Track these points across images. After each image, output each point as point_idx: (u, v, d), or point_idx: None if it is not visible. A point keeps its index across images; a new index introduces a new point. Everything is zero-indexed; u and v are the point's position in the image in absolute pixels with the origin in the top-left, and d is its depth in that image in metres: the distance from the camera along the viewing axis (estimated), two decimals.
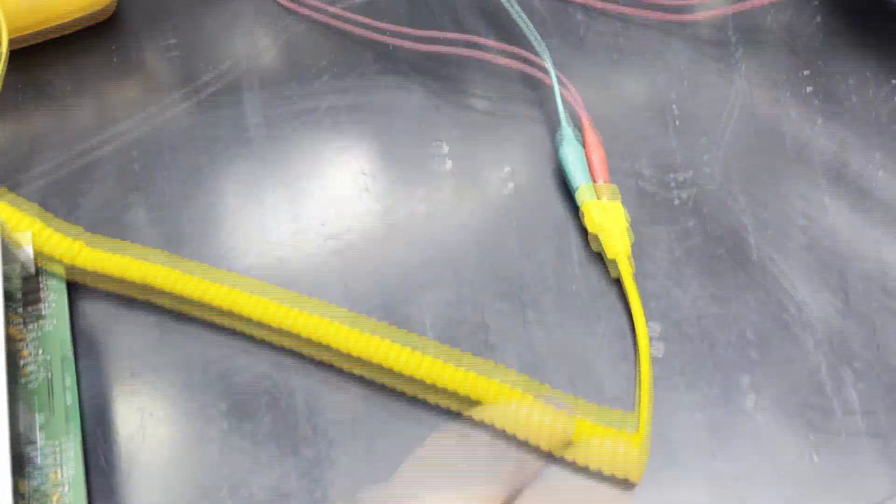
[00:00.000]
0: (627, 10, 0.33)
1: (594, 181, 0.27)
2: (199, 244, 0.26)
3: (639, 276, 0.26)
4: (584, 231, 0.26)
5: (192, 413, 0.23)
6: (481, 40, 0.30)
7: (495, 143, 0.29)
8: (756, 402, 0.23)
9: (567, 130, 0.28)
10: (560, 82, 0.28)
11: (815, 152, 0.29)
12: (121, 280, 0.24)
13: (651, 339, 0.25)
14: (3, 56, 0.27)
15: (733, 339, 0.25)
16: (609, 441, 0.20)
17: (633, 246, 0.26)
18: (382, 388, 0.23)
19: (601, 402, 0.23)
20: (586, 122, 0.28)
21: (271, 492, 0.21)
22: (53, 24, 0.31)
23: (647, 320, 0.25)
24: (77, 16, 0.32)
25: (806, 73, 0.31)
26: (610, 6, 0.34)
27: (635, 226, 0.27)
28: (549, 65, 0.28)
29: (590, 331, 0.25)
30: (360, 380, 0.24)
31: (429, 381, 0.21)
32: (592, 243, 0.26)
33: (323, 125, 0.30)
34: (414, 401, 0.23)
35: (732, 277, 0.26)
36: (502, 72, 0.30)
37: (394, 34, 0.31)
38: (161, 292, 0.23)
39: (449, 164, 0.29)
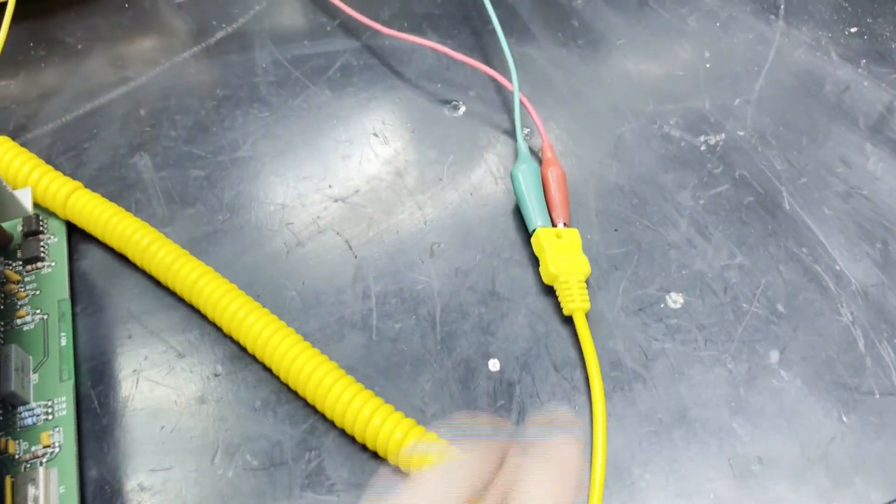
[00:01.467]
0: None
1: (553, 223, 0.24)
2: (204, 196, 0.26)
3: (660, 224, 0.24)
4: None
5: (186, 369, 0.22)
6: (452, 53, 0.28)
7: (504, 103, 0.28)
8: (781, 358, 0.22)
9: (522, 153, 0.25)
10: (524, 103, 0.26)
11: (857, 97, 0.27)
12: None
13: (669, 292, 0.23)
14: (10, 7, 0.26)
15: (758, 292, 0.23)
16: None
17: (645, 193, 0.24)
18: None
19: None
20: (549, 156, 0.25)
21: (264, 457, 0.21)
22: None
23: (666, 266, 0.23)
24: None
25: (849, 8, 0.29)
26: None
27: (655, 171, 0.25)
28: (515, 98, 0.26)
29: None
30: None
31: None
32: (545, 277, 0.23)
33: (334, 80, 0.29)
34: None
35: (761, 227, 0.24)
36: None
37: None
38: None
39: (461, 113, 0.27)
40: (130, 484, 0.20)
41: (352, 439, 0.20)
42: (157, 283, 0.23)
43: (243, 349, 0.22)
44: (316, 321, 0.23)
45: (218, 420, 0.21)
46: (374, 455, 0.20)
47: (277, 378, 0.21)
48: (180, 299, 0.23)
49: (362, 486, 0.20)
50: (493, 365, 0.22)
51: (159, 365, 0.22)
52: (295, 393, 0.21)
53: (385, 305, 0.23)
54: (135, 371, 0.22)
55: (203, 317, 0.23)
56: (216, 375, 0.22)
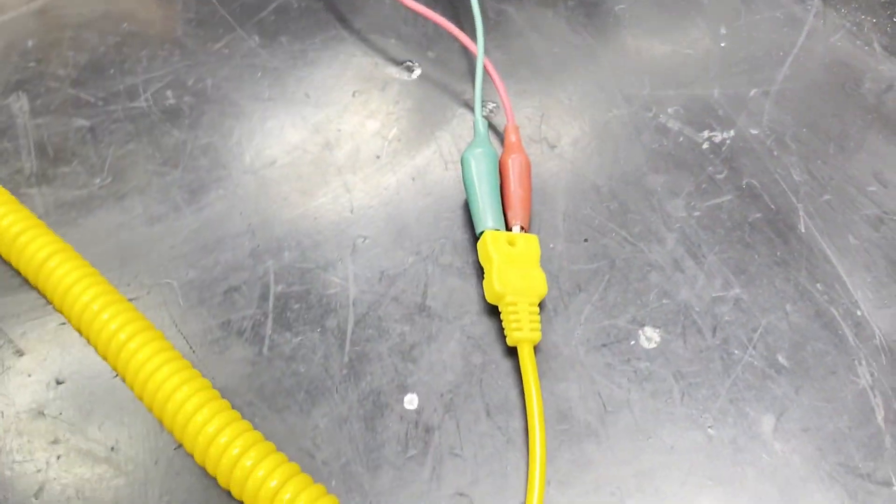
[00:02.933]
0: None
1: (508, 226, 0.19)
2: (84, 152, 0.21)
3: (641, 238, 0.19)
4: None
5: (24, 371, 0.18)
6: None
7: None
8: (777, 425, 0.17)
9: (479, 135, 0.20)
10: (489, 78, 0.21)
11: None
12: None
13: (643, 326, 0.18)
14: None
15: (756, 337, 0.18)
16: None
17: (620, 201, 0.20)
18: None
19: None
20: (513, 140, 0.20)
21: None
22: None
23: (644, 293, 0.18)
24: None
25: None
26: None
27: (644, 171, 0.20)
28: (479, 63, 0.21)
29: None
30: None
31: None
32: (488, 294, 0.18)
33: (266, 25, 0.23)
34: None
35: (767, 252, 0.19)
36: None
37: None
38: None
39: (415, 76, 0.22)
40: None
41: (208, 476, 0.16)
42: None
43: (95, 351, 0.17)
44: (196, 323, 0.18)
45: (51, 443, 0.16)
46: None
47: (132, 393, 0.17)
48: (28, 283, 0.18)
49: None
50: (410, 402, 0.17)
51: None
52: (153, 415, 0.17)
53: (285, 312, 0.18)
54: None
55: (52, 307, 0.18)
56: (59, 383, 0.17)
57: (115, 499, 0.16)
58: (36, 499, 0.16)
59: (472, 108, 0.22)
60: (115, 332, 0.17)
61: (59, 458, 0.16)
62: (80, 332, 0.17)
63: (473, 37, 0.21)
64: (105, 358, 0.17)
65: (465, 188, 0.19)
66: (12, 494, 0.16)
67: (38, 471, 0.16)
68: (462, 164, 0.19)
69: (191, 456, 0.16)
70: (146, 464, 0.16)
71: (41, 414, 0.17)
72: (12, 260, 0.18)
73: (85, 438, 0.16)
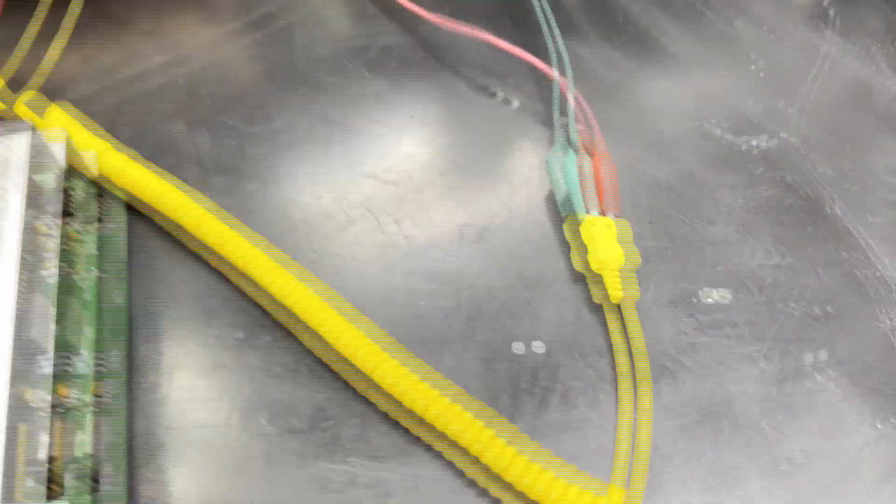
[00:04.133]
0: None
1: (603, 211, 0.23)
2: (235, 164, 0.26)
3: (696, 220, 0.24)
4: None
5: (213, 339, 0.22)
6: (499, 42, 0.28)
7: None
8: (816, 360, 0.21)
9: (559, 138, 0.25)
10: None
11: None
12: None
13: (702, 287, 0.22)
14: None
15: (795, 293, 0.22)
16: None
17: (680, 194, 0.24)
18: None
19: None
20: (597, 147, 0.24)
21: (280, 423, 0.21)
22: None
23: (701, 262, 0.23)
24: None
25: None
26: None
27: (695, 168, 0.25)
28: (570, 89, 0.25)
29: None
30: None
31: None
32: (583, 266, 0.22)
33: (374, 62, 0.29)
34: None
35: (801, 229, 0.24)
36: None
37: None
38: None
39: (512, 105, 0.27)
40: (169, 438, 0.20)
41: (368, 411, 0.20)
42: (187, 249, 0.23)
43: (265, 316, 0.22)
44: (344, 296, 0.22)
45: (235, 383, 0.21)
46: (394, 426, 0.20)
47: (297, 346, 0.21)
48: (204, 263, 0.23)
49: (377, 458, 0.19)
50: (518, 348, 0.21)
51: (195, 333, 0.22)
52: (316, 361, 0.21)
53: (410, 284, 0.23)
54: (167, 329, 0.22)
55: (227, 282, 0.23)
56: (238, 341, 0.22)
57: (287, 413, 0.20)
58: (228, 423, 0.20)
59: (551, 125, 0.26)
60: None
61: (243, 395, 0.21)
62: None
63: (550, 66, 0.26)
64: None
65: (559, 184, 0.23)
66: (213, 419, 0.20)
67: (229, 404, 0.20)
68: (550, 166, 0.24)
69: (347, 392, 0.20)
70: (309, 396, 0.20)
71: (224, 365, 0.21)
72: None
73: (260, 379, 0.21)
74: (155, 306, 0.22)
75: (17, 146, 0.21)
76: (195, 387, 0.21)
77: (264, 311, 0.22)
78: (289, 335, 0.21)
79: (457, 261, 0.23)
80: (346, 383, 0.20)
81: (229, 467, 0.19)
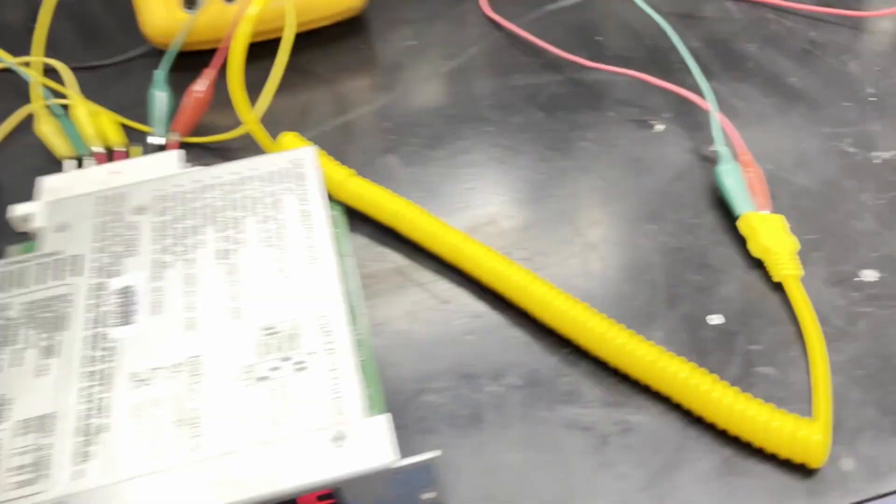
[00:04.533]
0: (815, 9, 0.36)
1: (760, 208, 0.28)
2: (443, 188, 0.31)
3: (846, 218, 0.28)
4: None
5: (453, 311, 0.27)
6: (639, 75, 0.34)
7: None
8: None
9: (724, 155, 0.29)
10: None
11: None
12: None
13: (863, 269, 0.26)
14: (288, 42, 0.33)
15: None
16: (791, 426, 0.22)
17: (826, 195, 0.29)
18: None
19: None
20: (747, 159, 0.29)
21: (526, 378, 0.25)
22: (318, 23, 0.38)
23: (855, 251, 0.27)
24: (339, 17, 0.39)
25: None
26: (797, 5, 0.37)
27: (838, 178, 0.29)
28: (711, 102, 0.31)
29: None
30: None
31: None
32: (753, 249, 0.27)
33: (545, 104, 0.34)
34: None
35: None
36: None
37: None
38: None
39: (658, 130, 0.32)
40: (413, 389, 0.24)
41: (602, 367, 0.24)
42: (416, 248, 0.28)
43: (498, 301, 0.26)
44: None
45: (482, 348, 0.25)
46: (624, 379, 0.24)
47: (531, 321, 0.26)
48: (438, 260, 0.28)
49: (613, 405, 0.24)
50: (713, 319, 0.25)
51: (429, 308, 0.26)
52: (546, 329, 0.25)
53: (608, 272, 0.27)
54: (409, 312, 0.26)
55: (457, 273, 0.27)
56: (477, 317, 0.26)
57: (530, 371, 0.24)
58: (479, 379, 0.24)
59: (705, 147, 0.31)
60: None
61: (490, 357, 0.25)
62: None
63: (697, 103, 0.31)
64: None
65: (724, 189, 0.28)
66: (465, 377, 0.25)
67: (479, 364, 0.25)
68: (718, 175, 0.29)
69: (579, 351, 0.24)
70: (547, 357, 0.25)
71: (472, 332, 0.26)
72: (433, 248, 0.28)
73: (503, 346, 0.25)
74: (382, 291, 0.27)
75: (307, 162, 0.27)
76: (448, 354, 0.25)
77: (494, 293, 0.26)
78: (521, 312, 0.26)
79: (647, 252, 0.27)
80: (576, 347, 0.25)
81: (489, 415, 0.24)
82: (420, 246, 0.28)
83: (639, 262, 0.27)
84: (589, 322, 0.24)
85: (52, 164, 0.32)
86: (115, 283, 0.23)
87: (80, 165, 0.32)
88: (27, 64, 0.36)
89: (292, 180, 0.26)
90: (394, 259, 0.28)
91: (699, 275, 0.27)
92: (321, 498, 0.19)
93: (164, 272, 0.23)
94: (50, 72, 0.36)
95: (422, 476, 0.19)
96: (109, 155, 0.33)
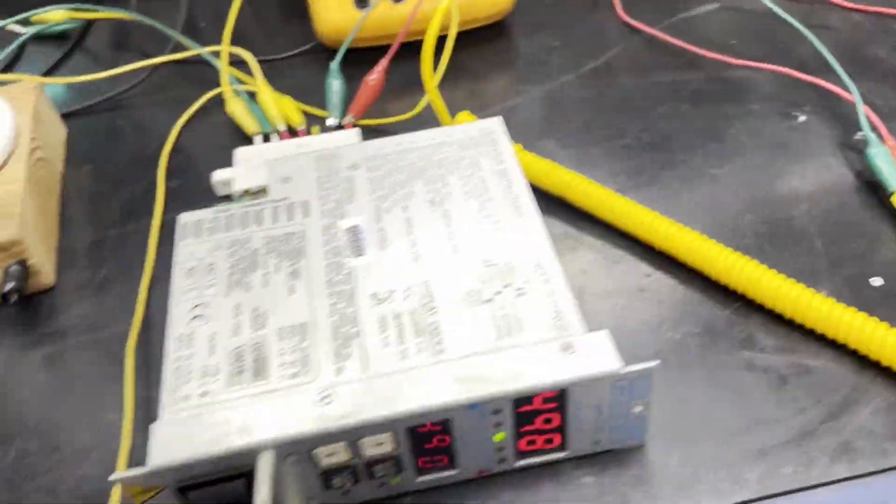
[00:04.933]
0: None
1: None
2: (599, 176, 0.34)
3: None
4: None
5: (624, 271, 0.29)
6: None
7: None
8: None
9: (872, 140, 0.32)
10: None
11: None
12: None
13: None
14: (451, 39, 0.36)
15: None
16: None
17: None
18: None
19: None
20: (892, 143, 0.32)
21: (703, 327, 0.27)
22: (469, 25, 0.42)
23: None
24: (489, 20, 0.42)
25: None
26: None
27: None
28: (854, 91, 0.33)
29: None
30: None
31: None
32: None
33: (691, 98, 0.37)
34: None
35: None
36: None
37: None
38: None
39: (802, 120, 0.35)
40: None
41: (773, 318, 0.26)
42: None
43: (666, 262, 0.29)
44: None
45: (657, 303, 0.28)
46: (796, 329, 0.26)
47: (700, 279, 0.28)
48: (604, 226, 0.30)
49: (786, 351, 0.26)
50: (875, 281, 0.27)
51: (602, 267, 0.29)
52: (715, 286, 0.27)
53: (767, 240, 0.29)
54: (583, 270, 0.29)
55: (624, 237, 0.30)
56: (647, 276, 0.29)
57: (706, 321, 0.26)
58: (661, 328, 0.27)
59: (850, 133, 0.33)
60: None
61: (665, 309, 0.27)
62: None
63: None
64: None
65: (881, 167, 0.30)
66: (657, 326, 0.27)
67: (658, 315, 0.27)
68: (870, 158, 0.31)
69: (750, 304, 0.27)
70: (721, 310, 0.27)
71: (644, 289, 0.28)
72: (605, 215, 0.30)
73: (676, 300, 0.28)
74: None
75: (497, 129, 0.30)
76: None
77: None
78: (690, 271, 0.28)
79: (804, 224, 0.30)
80: (747, 301, 0.27)
81: (671, 358, 0.26)
82: (588, 213, 0.31)
83: (796, 233, 0.30)
84: (764, 276, 0.26)
85: (237, 141, 0.36)
86: (342, 224, 0.26)
87: (266, 141, 0.36)
88: (216, 54, 0.40)
89: (486, 145, 0.29)
90: (562, 226, 0.31)
91: (855, 243, 0.29)
92: (546, 401, 0.21)
93: (384, 216, 0.27)
94: (235, 63, 0.40)
95: (641, 386, 0.21)
96: (292, 133, 0.36)
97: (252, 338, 0.23)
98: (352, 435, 0.21)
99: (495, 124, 0.30)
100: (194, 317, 0.24)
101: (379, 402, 0.21)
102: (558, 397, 0.21)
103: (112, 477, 0.20)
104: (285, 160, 0.29)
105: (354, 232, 0.26)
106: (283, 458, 0.21)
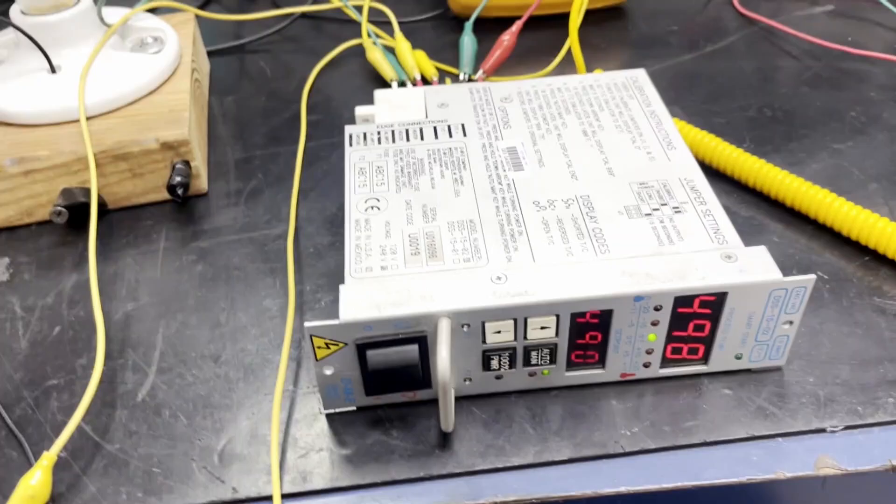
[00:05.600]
0: None
1: None
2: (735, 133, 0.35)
3: None
4: None
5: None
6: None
7: None
8: None
9: None
10: None
11: None
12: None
13: None
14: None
15: None
16: None
17: None
18: None
19: None
20: None
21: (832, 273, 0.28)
22: (592, 4, 0.44)
23: None
24: (610, 1, 0.44)
25: None
26: None
27: None
28: None
29: None
30: None
31: None
32: None
33: (810, 83, 0.38)
34: None
35: None
36: None
37: None
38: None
39: None
40: None
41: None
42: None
43: (797, 218, 0.30)
44: None
45: (785, 255, 0.29)
46: None
47: (828, 234, 0.29)
48: (734, 182, 0.32)
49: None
50: None
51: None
52: (845, 241, 0.29)
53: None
54: None
55: (758, 195, 0.31)
56: (782, 235, 0.30)
57: (834, 270, 0.28)
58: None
59: None
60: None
61: (787, 254, 0.29)
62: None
63: None
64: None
65: None
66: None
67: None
68: None
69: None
70: (846, 263, 0.28)
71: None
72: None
73: (790, 248, 0.29)
74: None
75: (642, 78, 0.31)
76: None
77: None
78: (820, 227, 0.29)
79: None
80: (875, 255, 0.28)
81: (813, 300, 0.27)
82: (715, 170, 0.32)
83: None
84: (894, 231, 0.27)
85: (370, 87, 0.38)
86: (501, 144, 0.28)
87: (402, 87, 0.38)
88: (358, 9, 0.42)
89: (633, 91, 0.31)
90: None
91: None
92: (704, 305, 0.23)
93: (539, 141, 0.28)
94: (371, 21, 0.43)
95: (796, 299, 0.23)
96: (426, 83, 0.39)
97: (424, 227, 0.25)
98: (522, 312, 0.22)
99: (640, 73, 0.32)
100: (369, 207, 0.26)
101: (549, 286, 0.22)
102: (716, 302, 0.23)
103: (307, 324, 0.22)
104: (440, 88, 0.31)
105: (512, 152, 0.28)
106: (458, 326, 0.22)
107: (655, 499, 0.23)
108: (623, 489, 0.22)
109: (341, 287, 0.23)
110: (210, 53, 0.43)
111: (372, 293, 0.22)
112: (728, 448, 0.23)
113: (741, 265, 0.23)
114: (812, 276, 0.22)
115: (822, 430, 0.23)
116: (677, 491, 0.22)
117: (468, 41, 0.40)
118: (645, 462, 0.23)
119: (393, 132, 0.29)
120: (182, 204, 0.33)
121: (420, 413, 0.24)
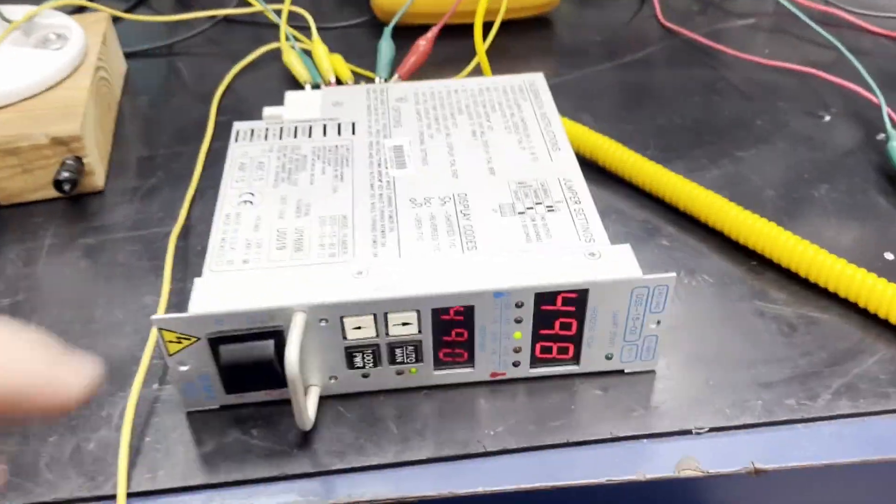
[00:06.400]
0: None
1: None
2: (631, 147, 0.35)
3: None
4: None
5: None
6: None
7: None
8: None
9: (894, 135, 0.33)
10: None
11: None
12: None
13: None
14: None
15: None
16: None
17: None
18: None
19: None
20: None
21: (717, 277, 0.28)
22: (516, 14, 0.44)
23: None
24: (535, 11, 0.45)
25: None
26: None
27: None
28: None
29: None
30: None
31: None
32: None
33: (721, 91, 0.39)
34: None
35: None
36: None
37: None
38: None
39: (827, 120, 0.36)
40: None
41: (785, 275, 0.27)
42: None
43: (686, 220, 0.30)
44: None
45: (672, 258, 0.29)
46: (807, 287, 0.27)
47: (716, 237, 0.29)
48: (634, 188, 0.32)
49: (798, 303, 0.27)
50: (888, 256, 0.28)
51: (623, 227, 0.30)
52: (732, 244, 0.29)
53: (785, 215, 0.31)
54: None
55: (653, 199, 0.31)
56: (667, 234, 0.30)
57: (720, 275, 0.27)
58: (680, 275, 0.28)
59: (874, 133, 0.35)
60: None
61: (687, 261, 0.28)
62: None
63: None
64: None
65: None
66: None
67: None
68: (894, 150, 0.32)
69: (765, 261, 0.28)
70: (734, 267, 0.28)
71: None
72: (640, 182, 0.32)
73: (692, 253, 0.29)
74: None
75: (539, 82, 0.31)
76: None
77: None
78: (709, 230, 0.29)
79: (823, 202, 0.31)
80: (762, 259, 0.28)
81: (687, 297, 0.27)
82: (616, 175, 0.32)
83: (815, 209, 0.31)
84: (780, 236, 0.27)
85: (286, 90, 0.37)
86: (388, 143, 0.28)
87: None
88: (278, 12, 0.42)
89: (528, 94, 0.31)
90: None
91: (872, 222, 0.30)
92: (567, 302, 0.23)
93: (427, 140, 0.28)
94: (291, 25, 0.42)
95: (660, 297, 0.22)
96: (341, 85, 0.38)
97: (295, 223, 0.24)
98: (381, 307, 0.22)
99: (538, 77, 0.32)
100: (243, 201, 0.25)
101: (410, 281, 0.22)
102: (579, 300, 0.22)
103: (153, 317, 0.21)
104: (338, 89, 0.31)
105: (398, 150, 0.28)
106: (315, 321, 0.22)
107: (530, 499, 0.22)
108: (481, 489, 0.22)
109: (196, 280, 0.22)
110: (132, 55, 0.43)
111: (228, 287, 0.22)
112: (592, 448, 0.23)
113: (603, 263, 0.22)
114: (672, 275, 0.22)
115: (688, 432, 0.23)
116: (544, 491, 0.22)
117: (385, 46, 0.40)
118: (505, 462, 0.22)
119: (281, 129, 0.29)
120: (75, 201, 0.32)
121: (284, 412, 0.23)
